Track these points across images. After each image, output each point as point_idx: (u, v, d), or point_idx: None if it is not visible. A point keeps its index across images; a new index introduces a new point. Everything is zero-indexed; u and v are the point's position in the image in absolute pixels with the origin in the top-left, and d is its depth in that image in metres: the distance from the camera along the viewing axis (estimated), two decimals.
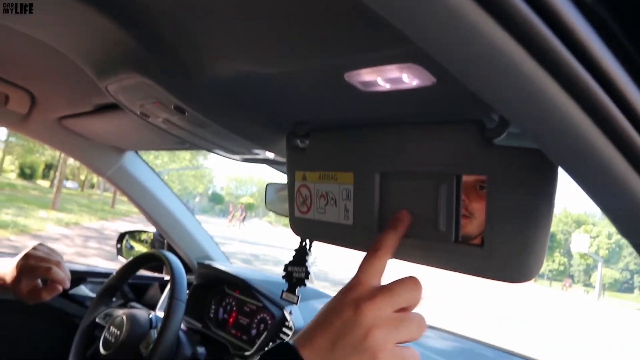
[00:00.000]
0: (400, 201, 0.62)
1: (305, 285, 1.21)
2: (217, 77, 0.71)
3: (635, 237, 0.52)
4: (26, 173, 52.02)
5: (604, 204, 0.48)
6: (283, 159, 1.04)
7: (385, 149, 0.64)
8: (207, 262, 1.90)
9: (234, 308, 1.74)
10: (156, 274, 2.06)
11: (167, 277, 2.03)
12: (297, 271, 1.23)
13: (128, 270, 1.59)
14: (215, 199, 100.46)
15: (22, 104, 1.35)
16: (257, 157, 1.08)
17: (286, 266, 1.26)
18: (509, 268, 0.51)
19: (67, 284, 1.23)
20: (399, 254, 0.60)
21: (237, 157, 1.14)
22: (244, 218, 35.26)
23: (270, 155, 1.03)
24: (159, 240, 2.04)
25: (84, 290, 1.89)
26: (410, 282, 0.55)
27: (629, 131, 0.36)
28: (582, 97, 0.33)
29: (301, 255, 1.24)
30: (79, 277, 1.89)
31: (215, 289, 1.82)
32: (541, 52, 0.30)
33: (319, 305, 1.66)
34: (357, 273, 0.57)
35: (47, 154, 33.05)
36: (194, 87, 0.76)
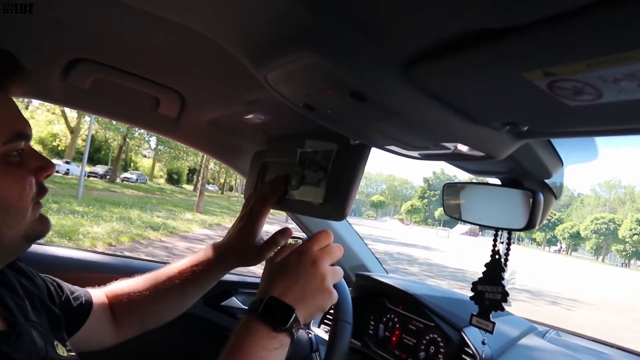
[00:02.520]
0: None
1: (502, 309, 0.98)
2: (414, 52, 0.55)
3: None
4: (173, 178, 57.07)
5: None
6: (478, 153, 0.83)
7: None
8: (365, 273, 1.72)
9: (397, 325, 1.54)
10: None
11: None
12: (490, 291, 1.00)
13: None
14: None
15: (172, 106, 1.30)
16: (443, 152, 0.87)
17: (475, 285, 1.04)
18: None
19: None
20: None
21: (415, 152, 0.94)
22: None
23: (463, 148, 0.81)
24: None
25: (235, 302, 1.81)
26: (326, 236, 0.90)
27: None
28: None
29: (495, 271, 1.01)
30: (229, 288, 1.82)
31: (375, 302, 1.64)
32: None
33: (500, 326, 1.40)
34: (307, 243, 0.88)
35: (190, 160, 35.70)
36: (380, 69, 0.59)
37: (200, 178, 23.53)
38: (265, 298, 0.78)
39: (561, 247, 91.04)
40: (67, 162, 30.46)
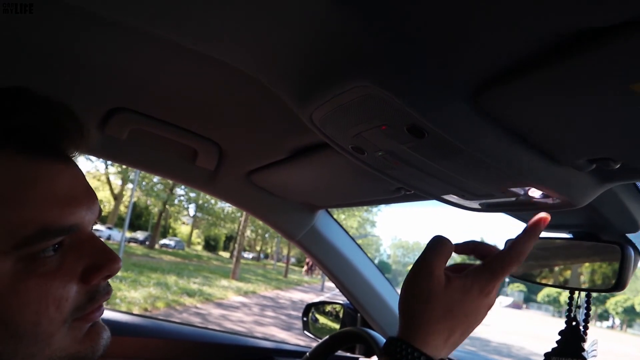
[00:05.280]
0: None
1: None
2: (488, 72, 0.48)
3: None
4: (210, 245, 57.60)
5: None
6: (553, 201, 0.72)
7: None
8: None
9: None
10: (348, 354, 1.78)
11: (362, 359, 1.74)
12: None
13: (325, 350, 1.34)
14: (382, 267, 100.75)
15: (210, 159, 1.26)
16: (510, 200, 0.77)
17: (548, 357, 0.89)
18: None
19: None
20: None
21: (476, 202, 0.83)
22: (310, 269, 35.74)
23: (535, 194, 0.71)
24: (351, 315, 1.77)
25: None
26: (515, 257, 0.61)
27: None
28: None
29: (572, 341, 0.87)
30: (264, 356, 1.70)
31: None
32: None
33: None
34: (488, 276, 0.62)
35: (227, 227, 36.03)
36: (444, 97, 0.53)
37: (236, 245, 23.65)
38: (432, 356, 0.58)
39: (614, 323, 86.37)
40: (109, 228, 31.07)
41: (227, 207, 33.83)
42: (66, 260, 0.53)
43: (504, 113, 0.53)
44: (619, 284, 0.75)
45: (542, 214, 0.64)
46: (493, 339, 17.94)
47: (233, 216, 33.75)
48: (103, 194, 35.22)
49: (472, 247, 0.68)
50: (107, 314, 1.56)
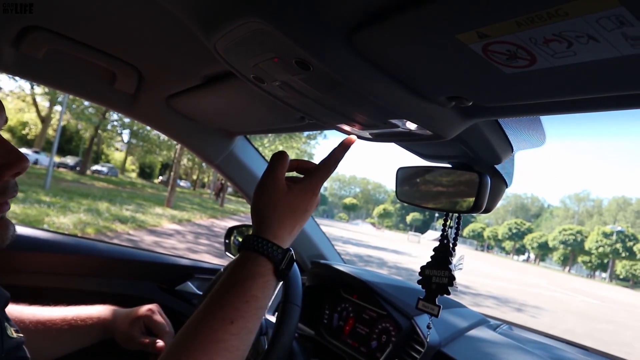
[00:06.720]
0: None
1: (448, 293, 0.98)
2: (356, 16, 0.55)
3: None
4: (145, 172, 56.35)
5: None
6: (427, 132, 0.82)
7: None
8: (321, 261, 1.71)
9: (351, 315, 1.53)
10: None
11: None
12: (437, 275, 1.00)
13: None
14: (320, 200, 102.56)
15: (129, 82, 1.27)
16: (393, 131, 0.86)
17: (423, 269, 1.03)
18: None
19: None
20: None
21: (366, 132, 0.93)
22: (219, 191, 33.69)
23: (412, 126, 0.80)
24: None
25: (190, 287, 1.78)
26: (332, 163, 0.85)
27: None
28: None
29: (442, 256, 1.01)
30: (185, 273, 1.79)
31: (330, 291, 1.63)
32: None
33: (451, 317, 1.41)
34: (319, 182, 0.84)
35: (163, 154, 35.11)
36: (323, 34, 0.59)
37: (172, 173, 23.26)
38: (282, 246, 0.76)
39: (529, 257, 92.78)
40: (36, 152, 29.66)
41: None
42: None
43: (375, 53, 0.61)
44: (475, 206, 0.88)
45: (351, 137, 0.89)
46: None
47: (169, 143, 32.76)
48: (29, 116, 33.15)
49: (295, 165, 0.87)
50: (27, 231, 1.59)
